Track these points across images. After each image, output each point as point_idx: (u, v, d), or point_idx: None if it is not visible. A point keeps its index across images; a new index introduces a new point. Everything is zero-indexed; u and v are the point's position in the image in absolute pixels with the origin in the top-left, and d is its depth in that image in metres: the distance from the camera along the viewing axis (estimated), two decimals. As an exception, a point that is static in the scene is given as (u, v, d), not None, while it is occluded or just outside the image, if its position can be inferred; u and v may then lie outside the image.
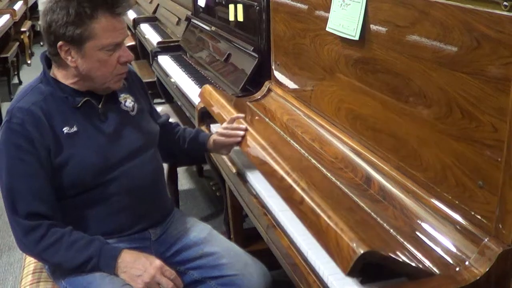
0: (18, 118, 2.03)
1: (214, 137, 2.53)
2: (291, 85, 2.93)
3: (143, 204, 2.24)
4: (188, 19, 4.93)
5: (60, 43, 2.03)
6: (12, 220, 2.07)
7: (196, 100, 3.47)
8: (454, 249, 1.68)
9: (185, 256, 2.31)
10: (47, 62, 2.18)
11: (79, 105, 2.11)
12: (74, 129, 2.10)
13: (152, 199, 2.28)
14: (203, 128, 3.07)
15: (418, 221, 1.85)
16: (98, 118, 2.17)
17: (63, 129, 2.08)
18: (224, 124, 2.53)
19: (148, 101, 2.45)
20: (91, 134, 2.13)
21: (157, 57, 4.83)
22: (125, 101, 2.27)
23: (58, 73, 2.14)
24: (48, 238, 2.03)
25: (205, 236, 2.36)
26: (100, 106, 2.17)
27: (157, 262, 2.07)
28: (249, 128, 2.45)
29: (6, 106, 6.43)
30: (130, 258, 2.07)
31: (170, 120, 2.67)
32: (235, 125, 2.49)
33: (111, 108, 2.21)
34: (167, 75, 4.34)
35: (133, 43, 6.86)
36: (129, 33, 7.28)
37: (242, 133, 2.45)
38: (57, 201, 2.10)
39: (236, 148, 2.57)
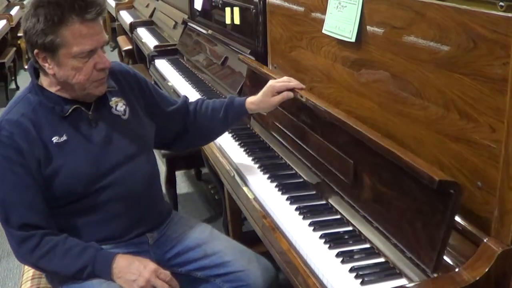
0: (7, 130, 2.02)
1: (256, 95, 2.43)
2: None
3: (138, 210, 2.22)
4: (184, 22, 4.94)
5: (35, 51, 2.01)
6: (6, 231, 2.07)
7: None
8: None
9: (187, 257, 2.30)
10: (36, 71, 2.15)
11: (67, 113, 2.09)
12: (64, 138, 2.08)
13: (147, 204, 2.26)
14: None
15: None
16: (89, 125, 2.14)
17: (53, 139, 2.06)
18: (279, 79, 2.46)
19: (146, 99, 2.37)
20: (81, 142, 2.11)
21: (154, 61, 4.84)
22: (116, 105, 2.22)
23: (44, 81, 2.11)
24: (42, 247, 2.03)
25: (206, 236, 2.35)
26: (90, 112, 2.14)
27: (151, 265, 2.06)
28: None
29: (3, 111, 6.44)
30: (124, 262, 2.06)
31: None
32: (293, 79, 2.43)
33: (102, 114, 2.18)
34: (164, 78, 4.35)
35: (130, 47, 6.87)
36: (124, 37, 7.30)
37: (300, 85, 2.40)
38: (51, 210, 2.09)
39: (237, 149, 2.57)
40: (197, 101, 2.53)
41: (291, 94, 2.37)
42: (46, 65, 2.03)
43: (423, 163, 1.71)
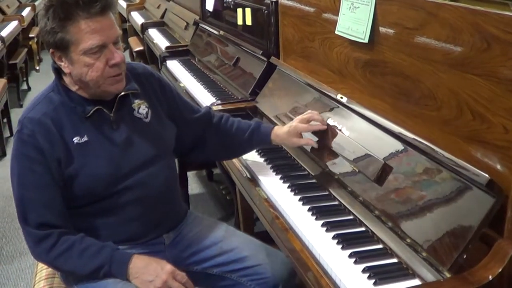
0: (29, 128, 2.03)
1: (281, 129, 2.44)
2: (300, 88, 2.93)
3: (156, 213, 2.22)
4: (196, 23, 4.95)
5: (51, 50, 2.03)
6: (23, 230, 2.08)
7: (205, 104, 3.48)
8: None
9: (203, 256, 2.31)
10: (57, 71, 2.14)
11: (89, 114, 2.09)
12: (85, 138, 2.08)
13: (166, 207, 2.26)
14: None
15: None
16: (110, 126, 2.14)
17: (74, 139, 2.07)
18: (301, 116, 2.44)
19: (168, 103, 2.35)
20: (102, 144, 2.11)
21: (165, 61, 4.85)
22: (139, 108, 2.21)
23: (65, 80, 2.12)
24: (59, 247, 2.03)
25: (222, 234, 2.36)
26: (112, 114, 2.15)
27: (168, 266, 2.07)
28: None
29: (15, 112, 6.48)
30: (141, 263, 2.06)
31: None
32: (316, 115, 2.43)
33: (124, 116, 2.18)
34: (176, 79, 4.35)
35: (141, 48, 6.88)
36: (135, 38, 7.32)
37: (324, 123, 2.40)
38: (69, 210, 2.10)
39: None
40: (221, 116, 2.51)
41: (314, 144, 2.39)
42: (62, 63, 2.04)
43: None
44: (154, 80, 2.34)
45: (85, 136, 2.08)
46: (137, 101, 2.22)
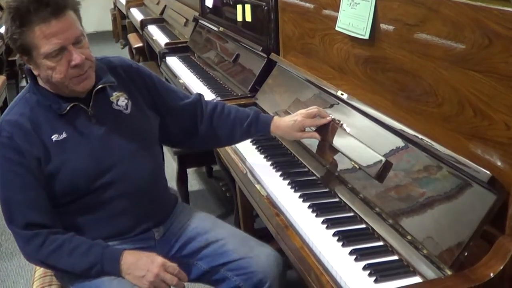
0: (7, 131, 2.03)
1: (283, 121, 2.42)
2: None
3: (143, 206, 2.21)
4: (195, 20, 4.94)
5: (18, 54, 2.04)
6: (12, 231, 2.08)
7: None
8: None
9: (190, 248, 2.30)
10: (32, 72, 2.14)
11: (65, 111, 2.08)
12: (63, 135, 2.07)
13: (153, 200, 2.25)
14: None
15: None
16: (88, 121, 2.12)
17: (52, 137, 2.06)
18: (307, 111, 2.42)
19: (150, 92, 2.33)
20: (81, 139, 2.10)
21: (165, 58, 4.84)
22: (117, 100, 2.20)
23: (40, 81, 2.11)
24: (47, 246, 2.03)
25: (208, 225, 2.35)
26: (89, 109, 2.12)
27: (159, 259, 2.06)
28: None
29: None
30: (132, 259, 2.06)
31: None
32: (322, 111, 2.41)
33: (103, 110, 2.16)
34: (175, 76, 4.35)
35: (140, 44, 6.88)
36: (135, 34, 7.31)
37: (329, 118, 2.38)
38: (55, 209, 2.10)
39: (249, 147, 2.57)
40: (216, 103, 2.50)
41: (318, 137, 2.37)
42: (31, 66, 2.05)
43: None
44: (132, 70, 2.32)
45: (63, 133, 2.08)
46: (115, 94, 2.21)
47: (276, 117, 2.46)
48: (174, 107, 2.40)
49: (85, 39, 2.06)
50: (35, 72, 2.06)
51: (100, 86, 2.14)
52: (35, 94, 2.10)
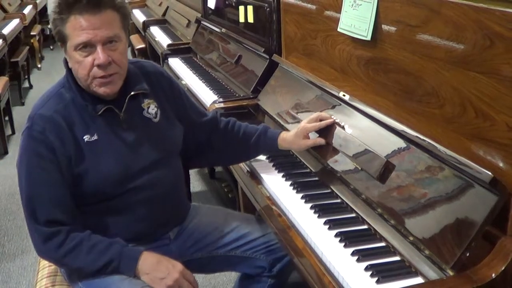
0: (40, 125, 2.02)
1: (289, 133, 2.43)
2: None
3: (164, 213, 2.23)
4: (198, 21, 4.94)
5: (57, 41, 2.06)
6: (31, 227, 2.07)
7: (207, 101, 3.48)
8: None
9: (206, 242, 2.33)
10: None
11: (99, 112, 2.08)
12: (95, 137, 2.07)
13: (173, 207, 2.27)
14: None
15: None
16: (120, 126, 2.12)
17: (84, 137, 2.06)
18: (309, 117, 2.43)
19: (177, 103, 2.34)
20: (112, 143, 2.10)
21: (167, 59, 4.84)
22: (148, 108, 2.21)
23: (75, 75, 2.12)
24: (67, 244, 2.03)
25: (221, 218, 2.40)
26: (121, 113, 2.12)
27: (179, 265, 2.07)
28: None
29: (17, 110, 6.49)
30: (152, 260, 2.06)
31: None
32: (324, 114, 2.42)
33: (133, 115, 2.16)
34: (178, 77, 4.34)
35: (143, 45, 6.88)
36: (137, 35, 7.31)
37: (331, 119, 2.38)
38: (77, 208, 2.10)
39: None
40: (228, 120, 2.50)
41: (322, 141, 2.37)
42: (66, 57, 2.07)
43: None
44: (164, 79, 2.33)
45: (95, 134, 2.08)
46: (146, 101, 2.21)
47: (283, 131, 2.47)
48: (194, 122, 2.41)
49: (121, 43, 2.05)
50: (69, 64, 2.07)
51: (134, 92, 2.15)
52: (71, 90, 2.10)
